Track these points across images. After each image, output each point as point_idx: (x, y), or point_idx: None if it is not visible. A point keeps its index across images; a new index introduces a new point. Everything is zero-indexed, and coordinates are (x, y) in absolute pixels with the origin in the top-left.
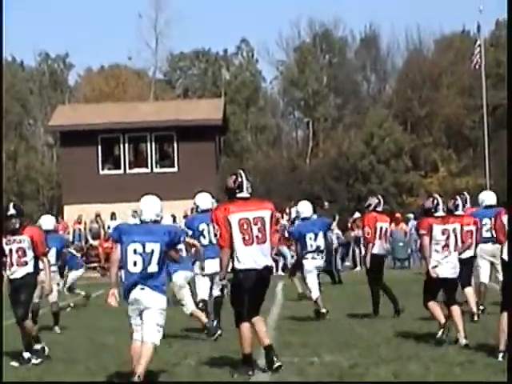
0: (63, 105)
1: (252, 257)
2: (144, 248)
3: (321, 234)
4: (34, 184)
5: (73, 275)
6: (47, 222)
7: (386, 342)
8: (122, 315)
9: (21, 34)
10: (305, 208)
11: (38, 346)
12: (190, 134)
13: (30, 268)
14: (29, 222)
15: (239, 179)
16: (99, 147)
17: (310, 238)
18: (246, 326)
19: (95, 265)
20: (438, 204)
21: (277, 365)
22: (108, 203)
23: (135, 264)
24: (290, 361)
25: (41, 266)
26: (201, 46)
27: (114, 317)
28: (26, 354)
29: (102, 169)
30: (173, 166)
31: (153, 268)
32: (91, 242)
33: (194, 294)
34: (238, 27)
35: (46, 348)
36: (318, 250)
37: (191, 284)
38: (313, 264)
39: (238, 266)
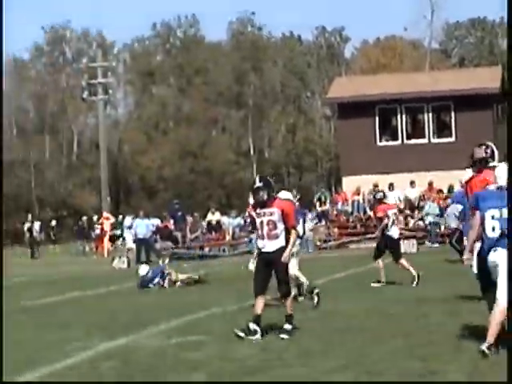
0: (340, 77)
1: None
2: (501, 213)
3: None
4: (312, 156)
5: None
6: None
7: None
8: (403, 287)
9: (298, 8)
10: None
11: (288, 327)
12: (468, 103)
13: (281, 241)
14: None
15: (489, 149)
16: (376, 118)
17: None
18: None
19: (373, 236)
20: None
21: None
22: (385, 174)
23: (493, 229)
24: None
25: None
26: (477, 14)
27: (397, 289)
28: (288, 326)
29: (380, 140)
30: (450, 136)
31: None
32: (370, 213)
33: None
34: None
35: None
36: None
37: None
38: None
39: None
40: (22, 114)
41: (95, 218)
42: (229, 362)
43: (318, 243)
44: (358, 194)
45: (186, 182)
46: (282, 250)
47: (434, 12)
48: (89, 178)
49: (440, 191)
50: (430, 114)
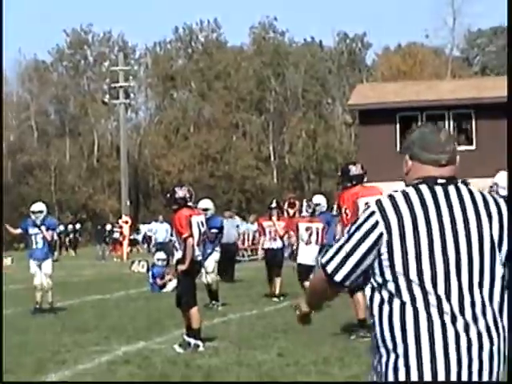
0: (361, 84)
1: None
2: None
3: None
4: (332, 162)
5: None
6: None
7: None
8: None
9: (319, 14)
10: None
11: (187, 339)
12: (489, 111)
13: (179, 254)
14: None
15: (363, 169)
16: (397, 126)
17: None
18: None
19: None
20: None
21: None
22: None
23: None
24: None
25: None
26: (499, 22)
27: None
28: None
29: (400, 147)
30: (471, 144)
31: None
32: None
33: None
34: None
35: (201, 346)
36: None
37: None
38: None
39: None
40: (43, 117)
41: (109, 223)
42: (245, 367)
43: None
44: None
45: (206, 187)
46: (177, 262)
47: (456, 19)
48: (109, 181)
49: None
50: (451, 122)
